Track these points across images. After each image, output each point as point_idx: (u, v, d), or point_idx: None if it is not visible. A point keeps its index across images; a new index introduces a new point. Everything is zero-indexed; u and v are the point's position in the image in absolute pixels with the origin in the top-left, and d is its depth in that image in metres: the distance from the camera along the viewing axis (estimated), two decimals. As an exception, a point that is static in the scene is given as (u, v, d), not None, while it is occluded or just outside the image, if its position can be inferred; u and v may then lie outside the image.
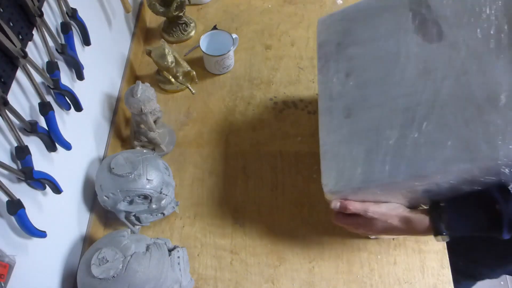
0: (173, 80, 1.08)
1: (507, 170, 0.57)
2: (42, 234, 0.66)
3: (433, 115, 0.64)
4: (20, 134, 0.62)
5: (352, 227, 0.74)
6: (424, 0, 0.73)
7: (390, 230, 0.69)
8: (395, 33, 0.74)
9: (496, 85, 0.60)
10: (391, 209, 0.68)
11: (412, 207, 0.71)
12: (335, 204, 0.70)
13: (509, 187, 0.59)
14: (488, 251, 0.98)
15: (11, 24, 0.59)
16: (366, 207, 0.68)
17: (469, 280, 1.01)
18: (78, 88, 0.83)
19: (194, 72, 1.10)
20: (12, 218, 0.60)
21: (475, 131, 0.59)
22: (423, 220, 0.66)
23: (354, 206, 0.69)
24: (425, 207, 0.69)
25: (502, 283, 1.61)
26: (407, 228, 0.68)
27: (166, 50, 1.03)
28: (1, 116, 0.58)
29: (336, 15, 0.85)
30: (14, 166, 0.63)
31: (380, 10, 0.78)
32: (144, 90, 0.89)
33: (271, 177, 0.97)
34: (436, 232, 0.65)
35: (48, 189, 0.70)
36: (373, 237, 0.87)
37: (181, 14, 1.15)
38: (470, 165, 0.58)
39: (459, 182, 0.61)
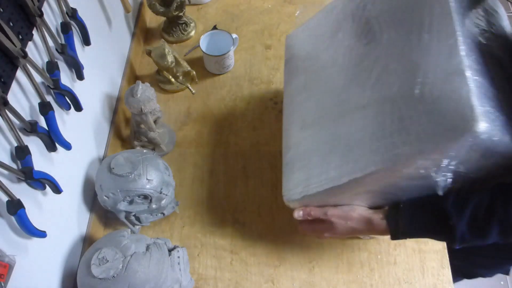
0: (173, 80, 1.08)
1: (427, 172, 0.57)
2: (42, 234, 0.66)
3: (359, 119, 0.65)
4: (20, 134, 0.62)
5: (318, 233, 0.74)
6: (362, 4, 0.74)
7: (352, 231, 0.70)
8: (336, 40, 0.78)
9: (412, 80, 0.60)
10: (349, 210, 0.69)
11: (377, 207, 0.70)
12: (298, 213, 0.72)
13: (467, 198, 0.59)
14: (484, 252, 0.98)
15: (11, 24, 0.59)
16: (325, 210, 0.69)
17: (458, 276, 1.01)
18: (78, 88, 0.83)
19: (194, 72, 1.10)
20: (12, 218, 0.60)
21: (397, 129, 0.59)
22: (382, 221, 0.66)
23: (314, 211, 0.70)
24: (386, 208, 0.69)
25: (502, 283, 1.61)
26: (369, 229, 0.68)
27: (166, 50, 1.03)
28: (1, 116, 0.58)
29: (300, 30, 0.89)
30: (14, 166, 0.63)
31: (331, 20, 0.82)
32: (144, 90, 0.89)
33: (271, 177, 0.97)
34: (393, 236, 0.65)
35: (48, 189, 0.70)
36: (367, 237, 0.87)
37: (181, 14, 1.15)
38: (391, 165, 0.58)
39: (402, 181, 0.61)
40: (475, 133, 0.50)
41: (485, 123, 0.50)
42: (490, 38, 0.60)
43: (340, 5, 0.80)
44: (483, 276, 1.17)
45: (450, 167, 0.56)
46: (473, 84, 0.52)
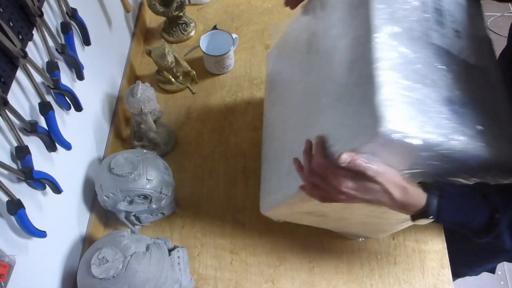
0: (173, 80, 1.08)
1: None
2: (42, 234, 0.66)
3: (318, 125, 0.66)
4: (20, 134, 0.62)
5: (344, 184, 0.59)
6: (314, 21, 0.77)
7: (382, 197, 0.58)
8: (294, 55, 0.82)
9: (343, 82, 0.61)
10: (394, 174, 0.58)
11: None
12: (345, 158, 0.55)
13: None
14: (465, 252, 0.98)
15: (11, 24, 0.59)
16: (377, 167, 0.57)
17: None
18: (78, 88, 0.83)
19: (194, 72, 1.10)
20: (12, 218, 0.61)
21: (341, 131, 0.60)
22: (420, 196, 0.57)
23: (368, 165, 0.56)
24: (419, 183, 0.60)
25: (502, 283, 1.61)
26: (402, 200, 0.58)
27: (166, 50, 1.03)
28: (1, 116, 0.58)
29: (276, 47, 0.94)
30: (14, 166, 0.63)
31: (293, 36, 0.86)
32: (144, 90, 0.89)
33: (271, 177, 0.97)
34: (425, 214, 0.57)
35: (48, 189, 0.70)
36: (360, 239, 0.87)
37: (181, 14, 1.15)
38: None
39: None
40: (377, 133, 0.51)
41: (393, 125, 0.51)
42: (463, 46, 0.61)
43: (299, 22, 0.84)
44: (469, 274, 1.18)
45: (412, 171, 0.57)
46: (391, 87, 0.53)
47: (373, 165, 0.56)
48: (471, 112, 0.56)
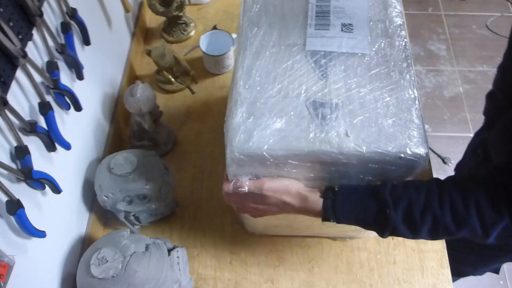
0: (173, 80, 1.08)
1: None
2: (41, 234, 0.66)
3: None
4: (20, 134, 0.62)
5: (246, 206, 0.69)
6: None
7: (283, 206, 0.66)
8: None
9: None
10: (286, 184, 0.65)
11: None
12: (228, 186, 0.65)
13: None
14: (472, 252, 0.98)
15: (11, 24, 0.59)
16: (261, 183, 0.64)
17: (453, 276, 1.01)
18: (78, 88, 0.83)
19: (194, 72, 1.10)
20: (12, 218, 0.61)
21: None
22: (318, 201, 0.63)
23: (250, 184, 0.65)
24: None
25: (501, 282, 1.61)
26: (303, 207, 0.65)
27: (166, 50, 1.03)
28: (1, 116, 0.58)
29: None
30: (13, 166, 0.63)
31: None
32: (144, 90, 0.89)
33: (271, 177, 0.97)
34: (324, 218, 0.63)
35: (47, 189, 0.70)
36: (347, 239, 0.87)
37: (181, 14, 1.15)
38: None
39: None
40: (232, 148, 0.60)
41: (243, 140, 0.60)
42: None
43: None
44: (473, 274, 1.18)
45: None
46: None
47: (265, 182, 0.64)
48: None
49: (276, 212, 0.68)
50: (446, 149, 1.91)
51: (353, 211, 0.62)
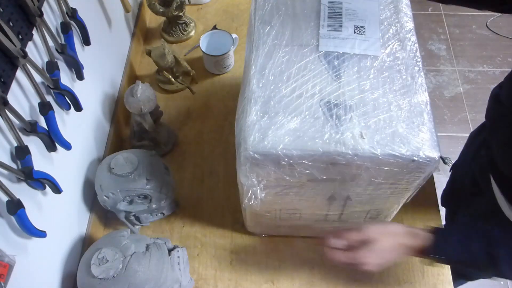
0: (173, 80, 1.08)
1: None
2: (42, 234, 0.66)
3: None
4: (20, 134, 0.62)
5: (358, 260, 0.63)
6: None
7: (399, 248, 0.63)
8: None
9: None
10: (387, 225, 0.64)
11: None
12: (333, 241, 0.63)
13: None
14: None
15: (11, 24, 0.59)
16: (362, 229, 0.63)
17: (461, 279, 1.01)
18: (78, 88, 0.83)
19: (194, 72, 1.10)
20: (12, 218, 0.61)
21: None
22: (428, 237, 0.62)
23: (350, 233, 0.63)
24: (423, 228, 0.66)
25: (502, 282, 1.61)
26: (414, 244, 0.62)
27: (166, 50, 1.03)
28: (1, 116, 0.58)
29: None
30: (14, 166, 0.63)
31: None
32: (144, 90, 0.89)
33: (271, 177, 0.97)
34: (431, 253, 0.61)
35: (48, 189, 0.70)
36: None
37: (181, 14, 1.15)
38: None
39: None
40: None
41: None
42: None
43: None
44: (484, 277, 1.17)
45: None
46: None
47: (365, 228, 0.63)
48: None
49: (392, 258, 0.64)
50: (446, 149, 1.91)
51: (465, 252, 0.61)
